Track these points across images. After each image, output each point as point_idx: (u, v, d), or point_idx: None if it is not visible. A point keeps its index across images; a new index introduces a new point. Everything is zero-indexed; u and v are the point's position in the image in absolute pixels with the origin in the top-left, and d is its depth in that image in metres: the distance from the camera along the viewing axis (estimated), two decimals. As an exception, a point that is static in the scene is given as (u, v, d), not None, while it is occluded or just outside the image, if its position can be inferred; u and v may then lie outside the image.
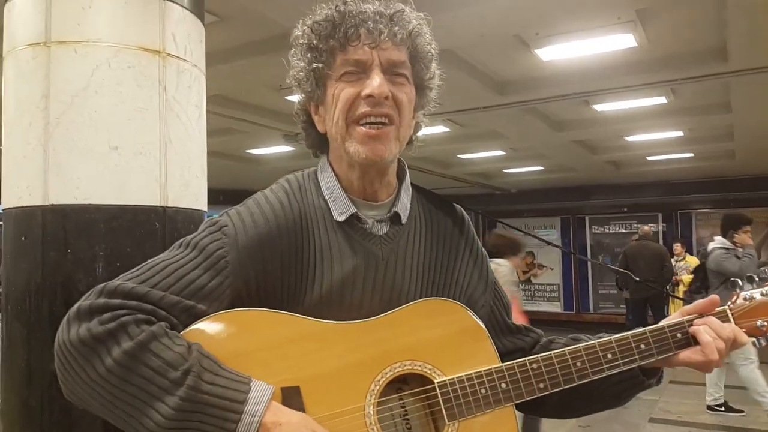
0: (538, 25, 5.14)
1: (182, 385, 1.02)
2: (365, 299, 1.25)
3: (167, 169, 1.91)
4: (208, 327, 1.13)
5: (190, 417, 1.01)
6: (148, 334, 1.05)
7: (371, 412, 1.16)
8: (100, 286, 1.12)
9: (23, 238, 1.80)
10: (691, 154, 11.14)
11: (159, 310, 1.10)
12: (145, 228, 1.85)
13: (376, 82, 1.20)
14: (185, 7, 2.01)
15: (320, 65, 1.23)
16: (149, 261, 1.19)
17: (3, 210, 1.88)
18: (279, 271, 1.21)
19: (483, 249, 1.48)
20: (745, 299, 1.36)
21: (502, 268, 4.87)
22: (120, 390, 1.03)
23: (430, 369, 1.22)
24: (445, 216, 1.43)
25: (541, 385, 1.25)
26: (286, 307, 1.20)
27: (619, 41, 5.45)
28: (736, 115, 7.83)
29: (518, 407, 1.28)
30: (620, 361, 1.28)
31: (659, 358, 1.30)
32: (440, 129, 8.57)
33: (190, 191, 1.99)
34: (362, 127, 1.21)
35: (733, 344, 1.30)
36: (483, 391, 1.22)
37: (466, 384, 1.22)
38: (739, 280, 1.39)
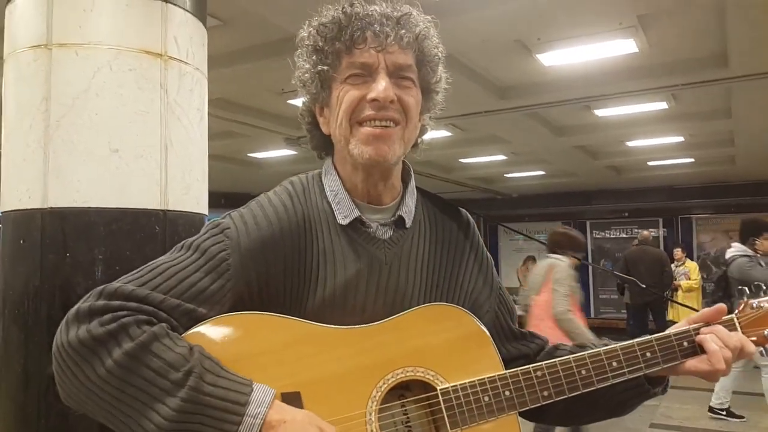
0: (539, 31, 5.14)
1: (183, 387, 1.00)
2: (368, 303, 1.24)
3: (168, 173, 1.90)
4: (209, 330, 1.12)
5: (191, 419, 1.00)
6: (149, 334, 1.04)
7: (373, 419, 1.15)
8: (100, 288, 1.10)
9: (22, 241, 1.79)
10: (692, 160, 11.16)
11: (160, 312, 1.09)
12: (145, 231, 1.83)
13: (381, 86, 1.19)
14: (187, 10, 2.00)
15: (326, 68, 1.22)
16: (150, 263, 1.17)
17: (2, 213, 1.87)
18: (281, 274, 1.20)
19: (488, 253, 1.47)
20: (752, 308, 1.34)
21: (560, 263, 4.81)
22: (120, 391, 1.01)
23: (432, 375, 1.21)
24: (450, 220, 1.41)
25: (545, 393, 1.24)
26: (289, 310, 1.18)
27: (621, 47, 5.45)
28: (737, 120, 7.84)
29: (522, 414, 1.26)
30: (625, 370, 1.27)
31: (665, 366, 1.29)
32: (442, 133, 8.57)
33: (191, 195, 1.98)
34: (366, 128, 1.20)
35: (740, 353, 1.28)
36: (486, 398, 1.21)
37: (469, 391, 1.21)
38: (747, 289, 1.38)
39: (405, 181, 1.37)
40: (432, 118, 1.38)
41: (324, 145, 1.35)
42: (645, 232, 10.66)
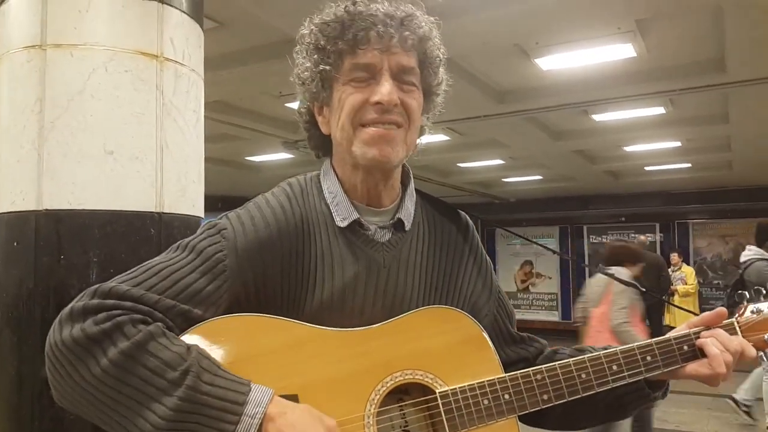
0: (538, 35, 5.15)
1: (181, 386, 0.99)
2: (366, 306, 1.22)
3: (163, 175, 1.89)
4: (206, 332, 1.10)
5: (188, 418, 0.98)
6: (145, 333, 1.02)
7: (371, 422, 1.14)
8: (93, 287, 1.08)
9: (16, 243, 1.77)
10: (689, 165, 11.17)
11: (155, 312, 1.07)
12: (140, 234, 1.82)
13: (385, 89, 1.18)
14: (184, 12, 1.99)
15: (327, 67, 1.20)
16: (145, 264, 1.15)
17: (-4, 214, 1.86)
18: (279, 275, 1.18)
19: (487, 257, 1.46)
20: (752, 312, 1.34)
21: (620, 276, 4.77)
22: (115, 391, 1.00)
23: (431, 378, 1.20)
24: (449, 223, 1.40)
25: (545, 397, 1.22)
26: (286, 312, 1.17)
27: (619, 51, 5.46)
28: (734, 125, 7.85)
29: (521, 418, 1.25)
30: (626, 373, 1.26)
31: (665, 370, 1.28)
32: (440, 138, 8.57)
33: (186, 197, 1.97)
34: (370, 128, 1.19)
35: (741, 357, 1.27)
36: (486, 402, 1.20)
37: (469, 394, 1.20)
38: (746, 293, 1.38)
39: (404, 184, 1.35)
40: (430, 120, 1.37)
41: (323, 145, 1.33)
42: (641, 238, 10.67)
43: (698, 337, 1.29)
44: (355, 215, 1.25)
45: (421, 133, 1.35)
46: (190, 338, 1.09)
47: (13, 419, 1.77)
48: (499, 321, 1.43)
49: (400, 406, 1.20)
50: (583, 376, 1.24)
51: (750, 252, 6.05)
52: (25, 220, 1.76)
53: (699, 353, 1.28)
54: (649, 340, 1.29)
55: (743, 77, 5.85)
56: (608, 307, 4.58)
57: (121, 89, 1.81)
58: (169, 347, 1.02)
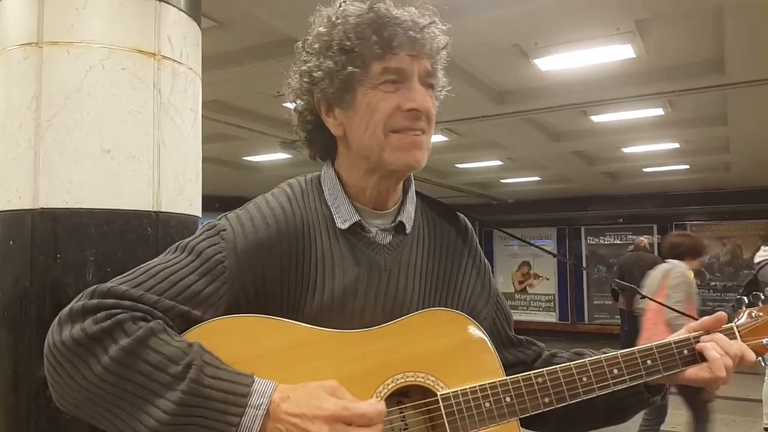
0: (537, 35, 5.14)
1: (184, 380, 0.98)
2: (367, 309, 1.22)
3: (161, 174, 1.88)
4: (205, 332, 1.09)
5: (192, 412, 0.97)
6: (146, 329, 1.01)
7: None
8: (91, 288, 1.07)
9: (12, 242, 1.76)
10: (687, 166, 11.18)
11: (155, 311, 1.06)
12: (137, 233, 1.81)
13: (420, 96, 1.18)
14: (181, 10, 1.98)
15: (356, 70, 1.17)
16: (143, 265, 1.14)
17: (-8, 213, 1.85)
18: (278, 277, 1.17)
19: (486, 260, 1.46)
20: (751, 317, 1.34)
21: (677, 268, 4.74)
22: (118, 389, 0.99)
23: (433, 381, 1.19)
24: (448, 225, 1.40)
25: (546, 400, 1.22)
26: (286, 314, 1.16)
27: (618, 52, 5.45)
28: (733, 127, 7.85)
29: (521, 420, 1.25)
30: (626, 377, 1.26)
31: (665, 374, 1.28)
32: (438, 138, 8.56)
33: (184, 196, 1.96)
34: (402, 135, 1.18)
35: (741, 362, 1.28)
36: (487, 404, 1.19)
37: (470, 397, 1.19)
38: (745, 298, 1.38)
39: (405, 186, 1.35)
40: None
41: (326, 148, 1.32)
42: (641, 239, 10.66)
43: (698, 342, 1.29)
44: (357, 217, 1.24)
45: None
46: (191, 338, 1.08)
47: (9, 419, 1.76)
48: (497, 324, 1.43)
49: (399, 409, 1.19)
50: (584, 379, 1.24)
51: (765, 253, 6.06)
52: (21, 218, 1.75)
53: (699, 357, 1.28)
54: (650, 344, 1.29)
55: (742, 78, 5.85)
56: (663, 300, 4.53)
57: (118, 87, 1.80)
58: (170, 342, 1.02)
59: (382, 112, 1.17)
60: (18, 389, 1.75)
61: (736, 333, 1.33)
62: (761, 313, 1.35)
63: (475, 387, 1.20)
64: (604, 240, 15.35)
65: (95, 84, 1.77)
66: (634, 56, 5.51)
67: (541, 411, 1.22)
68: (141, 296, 1.07)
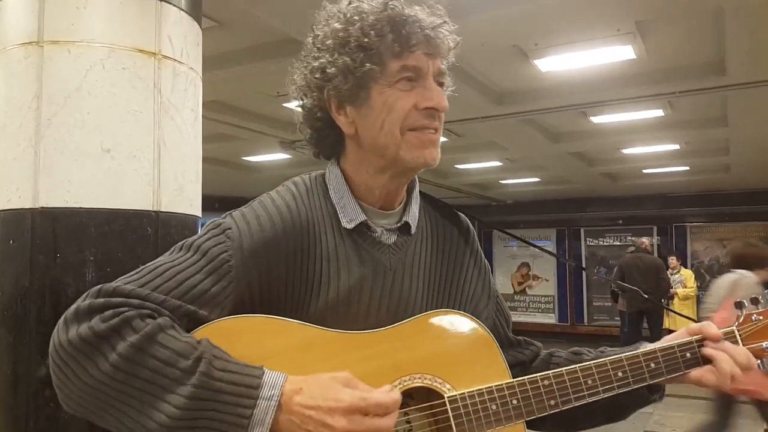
0: (537, 36, 5.13)
1: (194, 374, 0.97)
2: (372, 309, 1.21)
3: (161, 173, 1.87)
4: (212, 333, 1.08)
5: (203, 405, 0.96)
6: (153, 326, 1.01)
7: None
8: (97, 287, 1.07)
9: (11, 241, 1.76)
10: (687, 168, 11.18)
11: (162, 310, 1.06)
12: (137, 233, 1.81)
13: (437, 95, 1.19)
14: (182, 9, 1.98)
15: (375, 67, 1.16)
16: (149, 264, 1.14)
17: (-8, 212, 1.84)
18: (283, 275, 1.17)
19: (486, 260, 1.45)
20: (752, 320, 1.35)
21: (746, 279, 4.65)
22: (127, 386, 0.98)
23: (440, 383, 1.19)
24: (451, 225, 1.40)
25: (552, 402, 1.23)
26: (290, 313, 1.16)
27: (618, 53, 5.44)
28: (733, 128, 7.84)
29: None
30: (630, 380, 1.27)
31: (669, 377, 1.29)
32: (438, 139, 8.53)
33: (184, 196, 1.96)
34: (419, 133, 1.19)
35: (744, 368, 1.28)
36: (494, 407, 1.19)
37: (477, 399, 1.19)
38: (745, 301, 1.39)
39: (409, 186, 1.35)
40: None
41: (332, 145, 1.30)
42: (642, 240, 10.67)
43: (701, 345, 1.30)
44: (363, 217, 1.23)
45: None
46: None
47: (8, 418, 1.75)
48: (497, 325, 1.44)
49: (405, 411, 1.19)
50: (589, 382, 1.24)
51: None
52: (21, 217, 1.75)
53: (702, 360, 1.29)
54: (653, 347, 1.30)
55: (743, 80, 5.84)
56: (730, 312, 4.47)
57: (119, 87, 1.80)
58: (178, 338, 1.01)
59: (400, 110, 1.17)
60: (17, 389, 1.75)
61: (737, 336, 1.33)
62: (761, 317, 1.35)
63: (481, 389, 1.20)
64: (603, 241, 15.34)
65: (96, 83, 1.77)
66: (635, 57, 5.50)
67: (546, 414, 1.22)
68: (148, 295, 1.06)
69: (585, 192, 13.89)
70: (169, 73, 1.91)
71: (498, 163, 10.88)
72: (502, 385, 1.21)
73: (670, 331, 1.46)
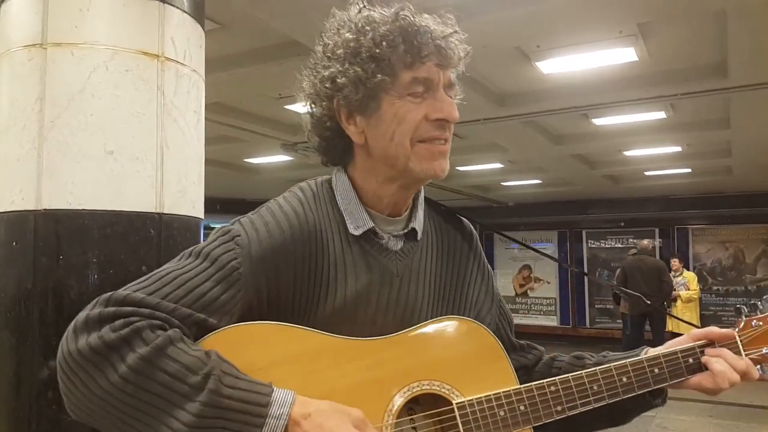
0: (539, 38, 5.14)
1: (203, 390, 0.97)
2: (378, 316, 1.22)
3: (164, 175, 1.87)
4: (221, 340, 1.08)
5: (212, 423, 0.96)
6: (164, 338, 1.00)
7: None
8: (106, 295, 1.06)
9: (14, 243, 1.76)
10: (689, 170, 11.17)
11: (172, 320, 1.05)
12: (139, 235, 1.81)
13: (448, 106, 1.18)
14: (185, 11, 1.98)
15: (387, 78, 1.16)
16: (157, 271, 1.13)
17: (-6, 214, 1.84)
18: (291, 281, 1.17)
19: (488, 264, 1.46)
20: (752, 326, 1.36)
21: None
22: (135, 399, 0.97)
23: (448, 389, 1.20)
24: (454, 231, 1.41)
25: (559, 408, 1.23)
26: (297, 319, 1.16)
27: (620, 55, 5.44)
28: (735, 131, 7.84)
29: None
30: (635, 385, 1.28)
31: (672, 382, 1.31)
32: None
33: (187, 198, 1.96)
34: (429, 145, 1.19)
35: (744, 378, 1.31)
36: (501, 413, 1.20)
37: (485, 405, 1.20)
38: (745, 307, 1.40)
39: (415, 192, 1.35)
40: None
41: (341, 154, 1.30)
42: (644, 242, 10.66)
43: (703, 352, 1.31)
44: (370, 224, 1.24)
45: None
46: (207, 347, 1.07)
47: (10, 421, 1.75)
48: (500, 329, 1.44)
49: (411, 418, 1.20)
50: (595, 387, 1.26)
51: None
52: (24, 219, 1.75)
53: (703, 366, 1.31)
54: (657, 353, 1.31)
55: (745, 82, 5.84)
56: None
57: (122, 89, 1.80)
58: (188, 351, 1.01)
59: (411, 122, 1.17)
60: (20, 391, 1.74)
61: (738, 342, 1.34)
62: (761, 323, 1.36)
63: (489, 395, 1.20)
64: (605, 243, 15.33)
65: (99, 85, 1.77)
66: (637, 59, 5.50)
67: (553, 420, 1.23)
68: (158, 304, 1.05)
69: (587, 194, 13.89)
70: (172, 75, 1.91)
71: (499, 165, 10.88)
72: (509, 391, 1.22)
73: (673, 334, 1.47)
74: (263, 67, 5.41)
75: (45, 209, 1.74)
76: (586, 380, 1.25)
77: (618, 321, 12.59)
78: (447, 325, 1.25)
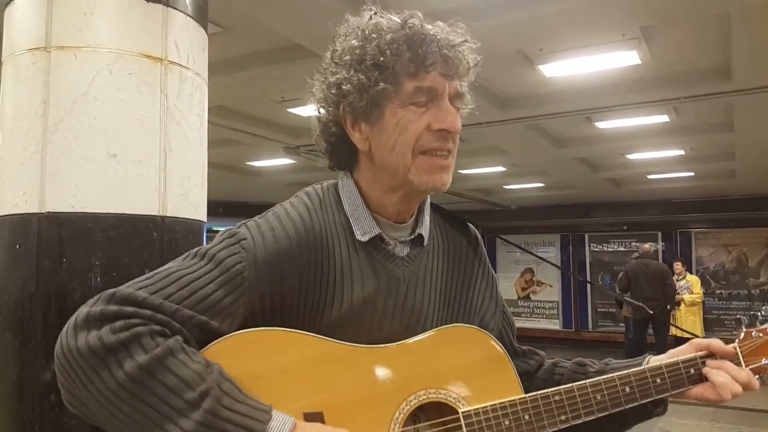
0: (542, 41, 5.13)
1: (198, 408, 0.96)
2: (385, 322, 1.21)
3: (167, 178, 1.88)
4: (228, 346, 1.08)
5: None
6: (164, 348, 0.99)
7: None
8: (110, 291, 1.05)
9: (18, 246, 1.76)
10: (692, 173, 11.14)
11: (173, 322, 1.04)
12: (142, 238, 1.81)
13: (451, 116, 1.17)
14: (188, 15, 1.99)
15: (390, 86, 1.15)
16: (161, 270, 1.12)
17: (-2, 217, 1.85)
18: (297, 287, 1.16)
19: (492, 270, 1.46)
20: (752, 337, 1.36)
21: None
22: (130, 407, 0.97)
23: (454, 398, 1.19)
24: (460, 236, 1.40)
25: (563, 417, 1.23)
26: (303, 324, 1.15)
27: (623, 58, 5.43)
28: (738, 134, 7.82)
29: None
30: (637, 395, 1.28)
31: (673, 392, 1.31)
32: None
33: (189, 201, 1.96)
34: (430, 158, 1.18)
35: (745, 389, 1.30)
36: (507, 422, 1.20)
37: (491, 415, 1.19)
38: (744, 318, 1.40)
39: None
40: None
41: (347, 160, 1.29)
42: (646, 246, 10.64)
43: (704, 363, 1.31)
44: (377, 230, 1.23)
45: None
46: (213, 352, 1.06)
47: (13, 423, 1.76)
48: (504, 334, 1.44)
49: (415, 428, 1.20)
50: (598, 397, 1.25)
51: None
52: (27, 222, 1.76)
53: (704, 378, 1.31)
54: (659, 364, 1.32)
55: (749, 85, 5.83)
56: None
57: (125, 92, 1.80)
58: (188, 364, 0.99)
59: (412, 133, 1.16)
60: (23, 393, 1.75)
61: (739, 353, 1.34)
62: (761, 333, 1.36)
63: (495, 405, 1.20)
64: (608, 247, 15.31)
65: (102, 88, 1.78)
66: (640, 62, 5.50)
67: (556, 429, 1.23)
68: (161, 305, 1.04)
69: (589, 197, 13.86)
70: (175, 78, 1.91)
71: (502, 168, 10.87)
72: (515, 400, 1.22)
73: (676, 338, 1.48)
74: (266, 71, 5.42)
75: (48, 212, 1.74)
76: (590, 390, 1.25)
77: (621, 324, 12.55)
78: (453, 334, 1.25)
